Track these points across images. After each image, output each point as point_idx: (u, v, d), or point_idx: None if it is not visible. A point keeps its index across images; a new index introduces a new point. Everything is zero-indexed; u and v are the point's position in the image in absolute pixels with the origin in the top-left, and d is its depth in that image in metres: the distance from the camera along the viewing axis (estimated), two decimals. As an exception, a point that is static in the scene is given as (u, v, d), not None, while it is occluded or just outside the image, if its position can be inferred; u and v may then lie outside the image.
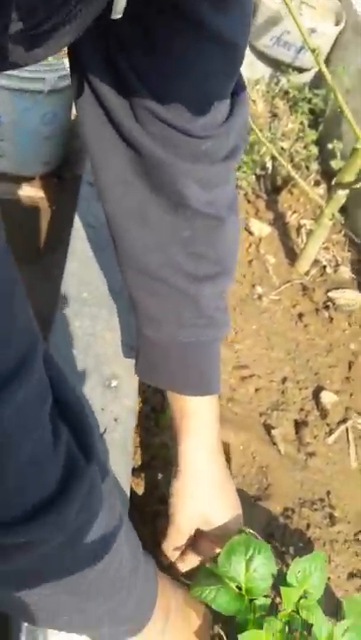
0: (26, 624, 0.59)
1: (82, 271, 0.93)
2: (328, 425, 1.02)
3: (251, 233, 1.31)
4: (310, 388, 1.08)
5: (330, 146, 1.18)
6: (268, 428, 0.98)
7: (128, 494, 0.71)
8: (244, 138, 0.58)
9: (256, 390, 1.04)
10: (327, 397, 1.05)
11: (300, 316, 1.20)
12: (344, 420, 1.03)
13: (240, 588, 0.62)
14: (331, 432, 1.01)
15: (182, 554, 0.68)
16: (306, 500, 0.90)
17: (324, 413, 1.03)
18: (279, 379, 1.08)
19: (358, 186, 1.10)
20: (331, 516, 0.89)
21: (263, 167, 1.46)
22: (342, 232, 1.39)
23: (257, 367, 1.08)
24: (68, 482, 0.36)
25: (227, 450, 0.92)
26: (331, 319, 1.21)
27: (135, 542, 0.53)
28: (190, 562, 0.68)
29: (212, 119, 0.53)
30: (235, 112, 0.55)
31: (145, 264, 0.60)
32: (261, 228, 1.31)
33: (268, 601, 0.62)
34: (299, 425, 1.01)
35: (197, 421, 0.63)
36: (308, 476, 0.94)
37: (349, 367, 1.13)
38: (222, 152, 0.56)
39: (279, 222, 1.37)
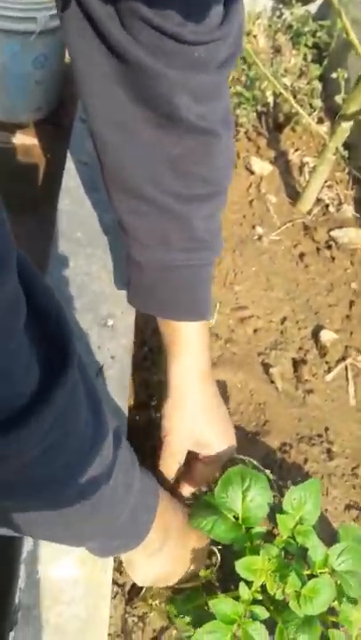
0: (24, 554, 0.60)
1: (75, 210, 0.91)
2: (327, 363, 1.02)
3: (252, 172, 1.27)
4: (310, 328, 1.07)
5: (334, 75, 1.13)
6: (266, 367, 0.98)
7: (125, 428, 0.72)
8: (239, 45, 0.55)
9: (255, 331, 1.04)
10: (326, 336, 1.04)
11: (301, 255, 1.18)
12: (343, 359, 1.03)
13: (237, 518, 0.63)
14: (330, 370, 1.01)
15: (178, 480, 0.69)
16: (304, 435, 0.91)
17: (323, 352, 1.03)
18: (278, 319, 1.07)
19: (362, 118, 1.06)
20: (329, 451, 0.90)
21: (265, 104, 1.41)
22: (346, 170, 1.35)
23: (256, 308, 1.07)
24: (42, 395, 0.35)
25: (224, 388, 0.93)
26: (333, 259, 1.19)
27: (130, 459, 0.53)
28: (185, 487, 0.69)
29: (205, 24, 0.49)
30: (229, 18, 0.51)
31: (132, 184, 0.57)
32: (263, 167, 1.28)
33: (265, 529, 0.63)
34: (297, 363, 1.00)
35: (187, 346, 0.63)
36: (307, 413, 0.94)
37: (350, 306, 1.12)
38: (216, 60, 0.52)
39: (281, 160, 1.33)
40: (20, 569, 0.60)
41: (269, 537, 0.68)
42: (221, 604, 0.58)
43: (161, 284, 0.62)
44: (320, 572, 0.61)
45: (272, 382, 0.96)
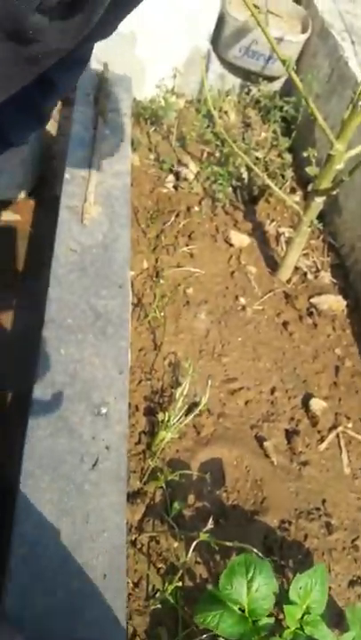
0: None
1: (65, 296, 0.93)
2: (319, 432, 1.03)
3: (231, 244, 1.32)
4: (299, 397, 1.08)
5: (305, 154, 1.20)
6: (260, 441, 0.98)
7: (124, 524, 0.71)
8: None
9: (246, 403, 1.05)
10: (316, 405, 1.06)
11: (285, 324, 1.21)
12: (334, 427, 1.04)
13: (243, 610, 0.62)
14: (322, 439, 1.02)
15: None
16: (302, 510, 0.91)
17: (314, 421, 1.04)
18: (268, 389, 1.08)
19: (335, 192, 1.11)
20: (328, 525, 0.90)
21: (239, 178, 1.47)
22: (321, 237, 1.41)
23: (245, 379, 1.09)
24: None
25: (220, 465, 0.93)
26: (315, 325, 1.22)
27: None
28: None
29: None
30: None
31: None
32: (241, 240, 1.32)
33: (272, 620, 0.63)
34: (290, 434, 1.01)
35: None
36: (303, 486, 0.95)
37: (336, 372, 1.14)
38: None
39: (258, 232, 1.38)
40: None
41: (276, 624, 0.67)
42: None
43: None
44: (331, 664, 0.60)
45: (267, 456, 0.96)
